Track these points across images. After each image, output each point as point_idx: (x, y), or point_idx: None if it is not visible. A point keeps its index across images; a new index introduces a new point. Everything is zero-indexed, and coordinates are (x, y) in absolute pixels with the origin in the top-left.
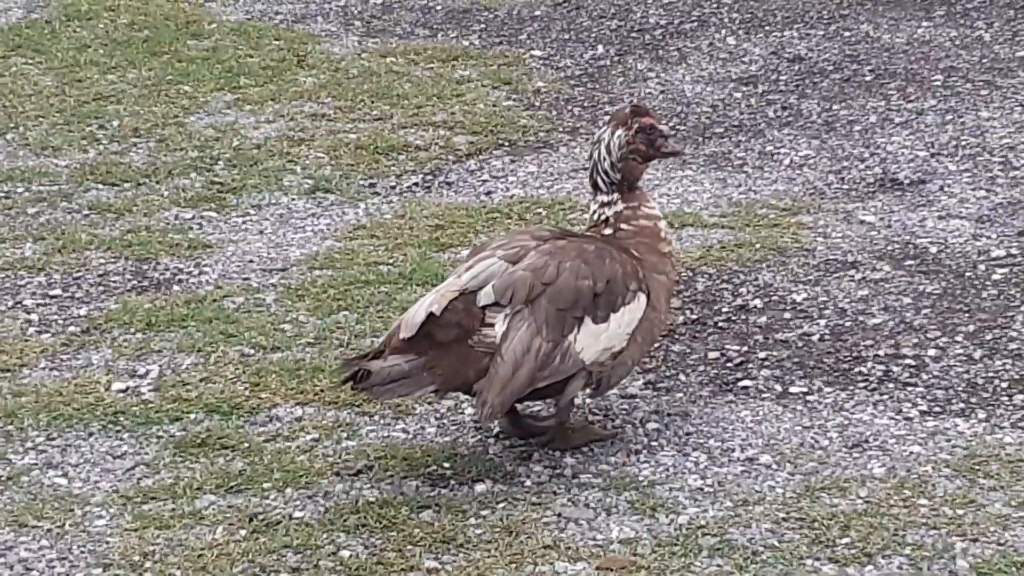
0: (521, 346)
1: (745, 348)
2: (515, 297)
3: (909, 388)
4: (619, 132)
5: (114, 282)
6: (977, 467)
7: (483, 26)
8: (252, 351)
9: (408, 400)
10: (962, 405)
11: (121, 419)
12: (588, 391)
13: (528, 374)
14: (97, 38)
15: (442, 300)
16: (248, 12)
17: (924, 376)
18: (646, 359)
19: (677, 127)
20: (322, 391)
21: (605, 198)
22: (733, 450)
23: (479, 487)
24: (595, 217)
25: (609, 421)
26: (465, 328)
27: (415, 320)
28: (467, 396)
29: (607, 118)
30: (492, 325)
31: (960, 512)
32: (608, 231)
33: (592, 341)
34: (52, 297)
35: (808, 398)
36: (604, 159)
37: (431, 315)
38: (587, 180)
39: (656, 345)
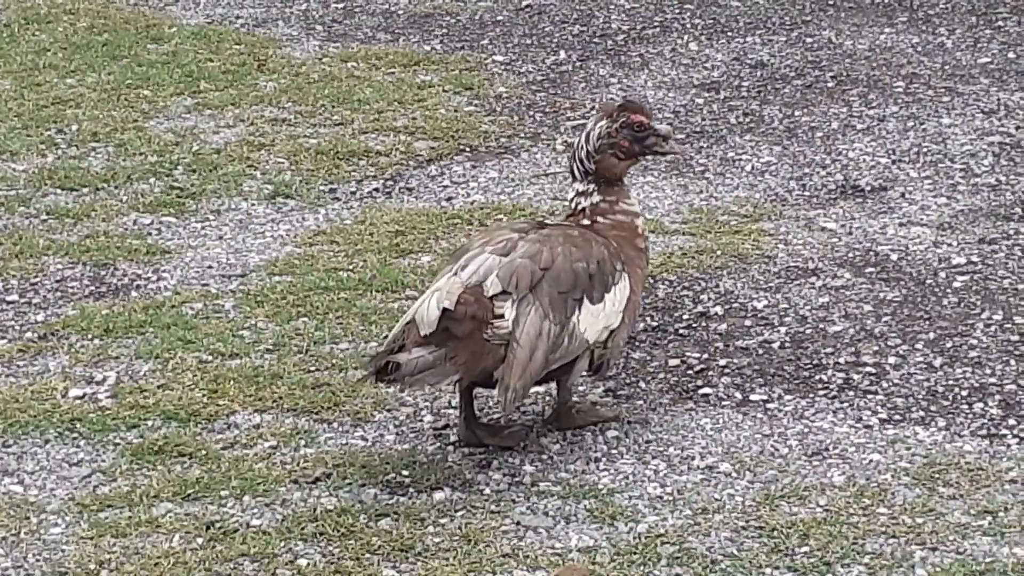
0: (534, 329)
1: (705, 355)
2: (520, 284)
3: (869, 396)
4: (602, 123)
5: (72, 288)
6: (937, 475)
7: (445, 31)
8: (210, 358)
9: (434, 390)
10: (922, 413)
11: (78, 426)
12: (588, 373)
13: (543, 356)
14: (56, 42)
15: (452, 296)
16: (209, 16)
17: (884, 384)
18: (630, 340)
19: None
20: (280, 398)
21: (581, 187)
22: (693, 458)
23: (438, 495)
24: (573, 206)
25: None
26: (479, 319)
27: (431, 317)
28: (483, 389)
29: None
30: (502, 315)
31: (919, 521)
32: (586, 222)
33: (593, 320)
34: (9, 303)
35: (768, 406)
36: (582, 147)
37: (445, 310)
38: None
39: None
